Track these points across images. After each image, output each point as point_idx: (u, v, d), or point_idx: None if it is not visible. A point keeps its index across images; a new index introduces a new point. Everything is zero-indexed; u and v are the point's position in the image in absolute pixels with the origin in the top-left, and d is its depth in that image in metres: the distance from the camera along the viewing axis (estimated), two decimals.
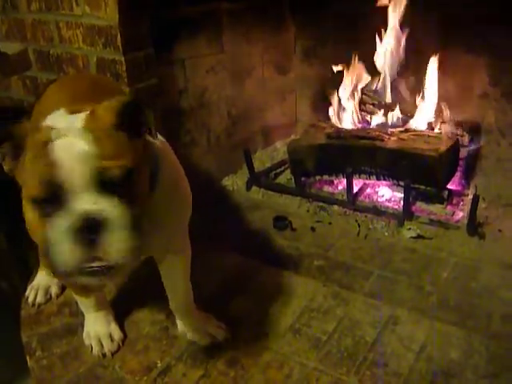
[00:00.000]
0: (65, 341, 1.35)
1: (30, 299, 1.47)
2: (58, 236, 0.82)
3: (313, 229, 1.84)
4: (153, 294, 1.50)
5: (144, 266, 1.51)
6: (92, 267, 0.83)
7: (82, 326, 1.38)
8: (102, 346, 1.30)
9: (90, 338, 1.32)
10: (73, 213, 0.82)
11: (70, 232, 0.81)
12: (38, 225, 0.86)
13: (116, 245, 0.83)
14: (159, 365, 1.26)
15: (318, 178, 2.09)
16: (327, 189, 2.10)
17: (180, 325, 1.35)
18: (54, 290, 1.50)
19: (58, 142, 0.83)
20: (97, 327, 1.32)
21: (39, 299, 1.47)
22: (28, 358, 1.30)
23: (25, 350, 1.33)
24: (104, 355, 1.29)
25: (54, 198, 0.83)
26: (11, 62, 1.58)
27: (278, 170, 2.26)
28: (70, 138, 0.83)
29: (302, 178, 2.08)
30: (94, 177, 0.82)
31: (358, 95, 2.23)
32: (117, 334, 1.34)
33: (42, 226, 0.85)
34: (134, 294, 1.50)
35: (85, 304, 1.31)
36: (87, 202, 0.82)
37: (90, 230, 0.81)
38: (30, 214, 0.87)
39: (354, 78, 2.21)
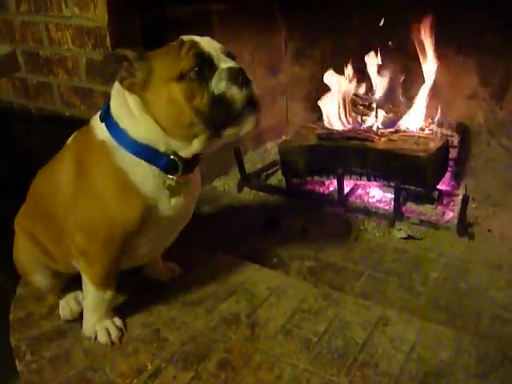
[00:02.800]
0: (55, 344, 1.34)
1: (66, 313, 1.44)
2: (222, 87, 1.11)
3: (304, 230, 1.84)
4: (143, 297, 1.50)
5: (132, 270, 1.51)
6: (249, 108, 1.14)
7: (72, 328, 1.38)
8: (109, 335, 1.34)
9: (94, 330, 1.34)
10: (223, 69, 1.12)
11: (231, 80, 1.11)
12: (190, 98, 1.11)
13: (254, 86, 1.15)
14: (149, 367, 1.26)
15: (308, 178, 2.09)
16: (318, 190, 2.10)
17: (146, 268, 1.54)
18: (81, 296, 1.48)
19: (192, 37, 1.15)
20: (103, 321, 1.35)
21: (76, 308, 1.45)
22: (17, 361, 1.29)
23: (14, 353, 1.32)
24: (112, 343, 1.32)
25: (204, 66, 1.12)
26: (0, 63, 1.57)
27: (269, 171, 2.26)
28: (196, 36, 1.16)
29: (293, 179, 2.08)
30: (224, 50, 1.16)
31: (348, 96, 2.23)
32: (118, 321, 1.38)
33: (196, 96, 1.11)
34: (125, 296, 1.49)
35: (102, 299, 1.32)
36: (227, 62, 1.14)
37: (242, 75, 1.12)
38: (180, 94, 1.12)
39: (345, 79, 2.22)
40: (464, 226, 1.75)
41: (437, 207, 1.90)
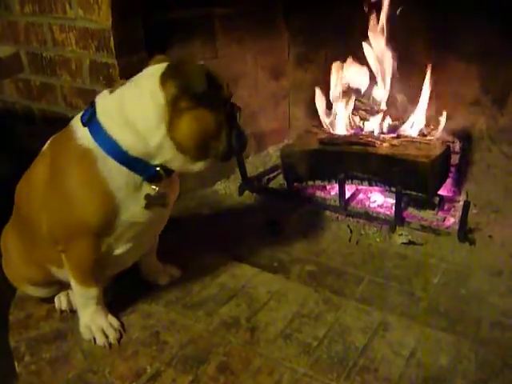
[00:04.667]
0: (54, 346, 1.34)
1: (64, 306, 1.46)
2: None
3: (305, 234, 1.84)
4: (142, 299, 1.50)
5: (132, 271, 1.51)
6: None
7: (72, 330, 1.38)
8: (106, 336, 1.34)
9: (91, 331, 1.34)
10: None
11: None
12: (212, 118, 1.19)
13: None
14: (149, 370, 1.26)
15: (310, 183, 2.09)
16: (319, 194, 2.10)
17: (145, 270, 1.54)
18: None
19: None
20: (97, 320, 1.35)
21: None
22: (16, 363, 1.29)
23: (13, 355, 1.32)
24: (110, 345, 1.33)
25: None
26: (4, 64, 1.57)
27: (271, 175, 2.26)
28: None
29: (295, 184, 2.08)
30: None
31: (350, 101, 2.23)
32: (115, 322, 1.38)
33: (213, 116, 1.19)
34: (124, 298, 1.49)
35: (88, 296, 1.33)
36: None
37: None
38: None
39: (347, 84, 2.22)
40: (465, 232, 1.74)
41: (438, 213, 1.90)
